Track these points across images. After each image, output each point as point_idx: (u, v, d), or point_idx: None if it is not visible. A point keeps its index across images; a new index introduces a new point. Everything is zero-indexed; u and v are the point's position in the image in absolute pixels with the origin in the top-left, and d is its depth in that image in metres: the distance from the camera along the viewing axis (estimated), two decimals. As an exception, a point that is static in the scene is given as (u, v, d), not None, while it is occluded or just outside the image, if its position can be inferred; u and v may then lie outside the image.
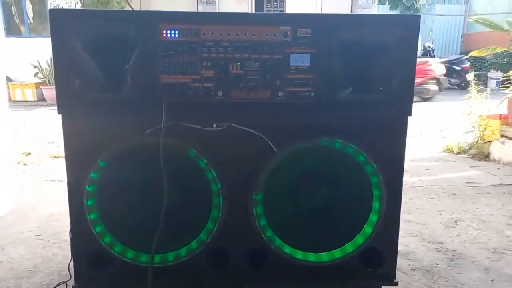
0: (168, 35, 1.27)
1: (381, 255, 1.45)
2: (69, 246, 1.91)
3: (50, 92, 8.89)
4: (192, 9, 9.37)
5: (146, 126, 1.31)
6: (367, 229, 1.41)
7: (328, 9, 10.18)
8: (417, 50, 1.28)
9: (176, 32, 1.27)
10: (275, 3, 10.34)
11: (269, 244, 1.39)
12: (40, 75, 9.13)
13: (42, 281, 1.70)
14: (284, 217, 1.41)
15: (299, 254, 1.41)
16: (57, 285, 1.57)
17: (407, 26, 1.26)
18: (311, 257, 1.42)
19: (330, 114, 1.33)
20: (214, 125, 1.33)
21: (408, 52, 1.28)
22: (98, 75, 1.27)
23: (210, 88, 1.31)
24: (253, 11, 10.12)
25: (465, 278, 1.78)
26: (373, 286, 1.50)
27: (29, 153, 4.17)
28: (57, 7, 8.53)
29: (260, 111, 1.32)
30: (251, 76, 1.30)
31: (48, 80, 9.06)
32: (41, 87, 9.08)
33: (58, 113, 1.30)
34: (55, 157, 4.12)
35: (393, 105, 1.32)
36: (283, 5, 10.24)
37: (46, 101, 8.95)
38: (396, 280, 1.48)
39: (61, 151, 4.21)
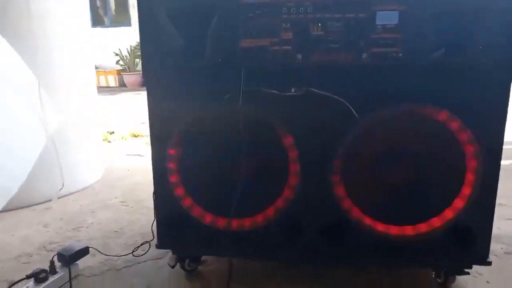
0: (248, -2, 1.25)
1: (473, 233, 1.32)
2: (150, 212, 2.03)
3: (130, 78, 9.48)
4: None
5: (225, 92, 1.31)
6: (458, 203, 1.29)
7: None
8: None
9: (255, -6, 1.25)
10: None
11: (348, 215, 1.33)
12: (121, 62, 9.75)
13: (127, 241, 1.82)
14: (365, 187, 1.34)
15: (380, 227, 1.34)
16: (141, 244, 1.67)
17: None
18: (394, 230, 1.34)
19: (420, 78, 1.22)
20: (293, 90, 1.30)
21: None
22: (182, 42, 1.30)
23: (289, 51, 1.27)
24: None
25: None
26: (464, 265, 1.38)
27: (113, 132, 4.49)
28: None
29: (342, 75, 1.26)
30: (332, 37, 1.24)
31: (128, 67, 9.64)
32: (122, 73, 9.69)
33: (143, 79, 1.35)
34: (135, 136, 4.40)
35: (493, 68, 1.17)
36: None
37: (126, 86, 9.55)
38: (489, 260, 1.34)
39: (141, 131, 4.50)
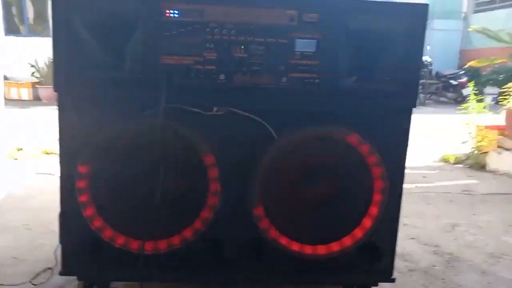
0: (171, 15, 1.24)
1: (380, 251, 1.41)
2: (56, 237, 1.87)
3: (46, 92, 8.81)
4: None
5: (144, 107, 1.27)
6: (366, 222, 1.37)
7: None
8: (424, 40, 1.26)
9: (179, 12, 1.24)
10: None
11: (265, 235, 1.35)
12: (36, 74, 9.07)
13: (27, 269, 1.64)
14: (281, 207, 1.37)
15: (296, 246, 1.37)
16: (42, 271, 1.51)
17: (414, 15, 1.24)
18: (308, 249, 1.37)
19: (334, 102, 1.30)
20: (215, 109, 1.30)
21: (415, 41, 1.26)
22: (98, 53, 1.24)
23: (212, 70, 1.28)
24: None
25: (462, 280, 1.75)
26: (370, 282, 1.46)
27: (21, 149, 4.10)
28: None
29: (262, 97, 1.29)
30: (254, 60, 1.28)
31: (44, 79, 8.99)
32: (37, 86, 9.01)
33: (55, 90, 1.25)
34: (47, 153, 4.07)
35: (398, 95, 1.29)
36: None
37: (41, 100, 8.87)
38: (393, 277, 1.44)
39: (55, 148, 4.18)
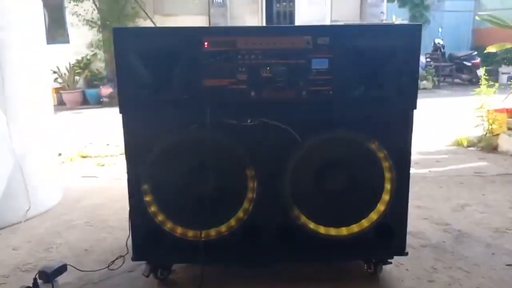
0: (209, 46, 1.53)
1: (393, 230, 1.68)
2: (116, 231, 2.22)
3: (69, 96, 9.24)
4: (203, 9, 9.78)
5: (191, 123, 1.57)
6: (380, 207, 1.64)
7: (337, 7, 10.42)
8: (419, 54, 1.51)
9: (216, 43, 1.53)
10: (284, 3, 10.61)
11: (296, 221, 1.64)
12: (59, 80, 9.47)
13: (98, 258, 1.98)
14: (309, 197, 1.65)
15: (322, 229, 1.66)
16: (116, 258, 1.84)
17: (409, 34, 1.50)
18: (332, 231, 1.66)
19: (346, 110, 1.57)
20: (249, 121, 1.59)
21: (411, 55, 1.52)
22: (154, 81, 1.54)
23: (244, 89, 1.56)
24: (264, 11, 10.44)
25: (469, 252, 2.01)
26: (386, 256, 1.74)
27: (60, 154, 4.45)
28: (75, 14, 8.89)
29: (287, 108, 1.57)
30: (278, 78, 1.55)
31: (67, 84, 9.40)
32: (60, 92, 9.39)
33: (120, 113, 1.57)
34: (83, 157, 4.38)
35: (400, 100, 1.55)
36: (292, 4, 10.50)
37: (65, 104, 9.29)
38: (406, 251, 1.71)
39: (89, 151, 4.50)
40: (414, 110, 1.59)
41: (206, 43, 1.53)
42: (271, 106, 1.57)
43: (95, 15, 9.09)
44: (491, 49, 4.43)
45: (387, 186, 1.63)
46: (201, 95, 1.55)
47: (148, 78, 1.54)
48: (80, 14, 8.97)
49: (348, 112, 1.58)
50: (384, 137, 1.58)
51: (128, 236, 1.66)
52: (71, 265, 1.81)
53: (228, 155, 1.61)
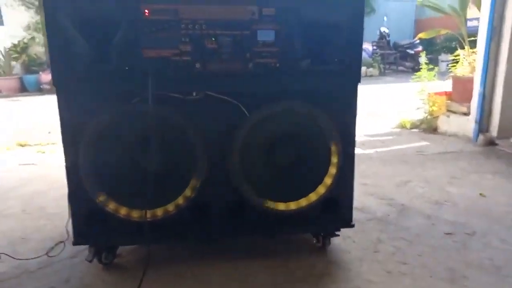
0: (150, 15, 1.45)
1: (339, 203, 1.71)
2: (55, 218, 2.08)
3: (6, 83, 8.61)
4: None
5: (132, 95, 1.48)
6: (327, 180, 1.66)
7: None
8: (363, 26, 1.53)
9: (157, 11, 1.45)
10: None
11: (245, 197, 1.61)
12: (-7, 65, 8.80)
13: (36, 246, 1.85)
14: (257, 172, 1.63)
15: (271, 204, 1.65)
16: (55, 244, 1.73)
17: (353, 6, 1.50)
18: (281, 206, 1.66)
19: (292, 82, 1.56)
20: (194, 94, 1.53)
21: (355, 28, 1.53)
22: (89, 50, 1.43)
23: (189, 61, 1.50)
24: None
25: (410, 223, 2.10)
26: (334, 229, 1.77)
27: (-5, 142, 4.14)
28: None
29: (233, 81, 1.53)
30: (224, 49, 1.50)
31: (3, 70, 8.73)
32: (-5, 78, 8.76)
33: (53, 84, 1.45)
34: (21, 145, 4.12)
35: (345, 73, 1.56)
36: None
37: (1, 92, 8.66)
38: (352, 223, 1.75)
39: (28, 140, 4.22)
40: (358, 84, 1.61)
41: (146, 11, 1.44)
42: (217, 79, 1.52)
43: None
44: (422, 36, 4.65)
45: (334, 159, 1.65)
46: (143, 67, 1.47)
47: (84, 47, 1.44)
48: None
49: (294, 85, 1.57)
50: (330, 109, 1.59)
51: (68, 220, 1.56)
52: (5, 254, 1.67)
53: (174, 131, 1.54)
